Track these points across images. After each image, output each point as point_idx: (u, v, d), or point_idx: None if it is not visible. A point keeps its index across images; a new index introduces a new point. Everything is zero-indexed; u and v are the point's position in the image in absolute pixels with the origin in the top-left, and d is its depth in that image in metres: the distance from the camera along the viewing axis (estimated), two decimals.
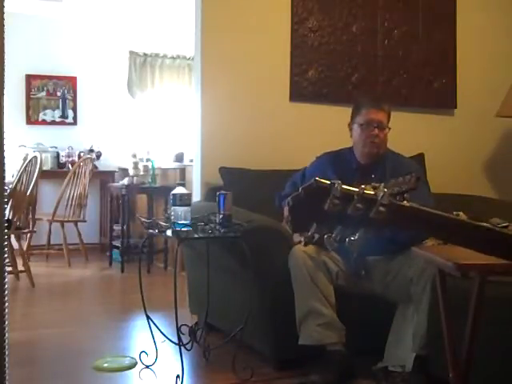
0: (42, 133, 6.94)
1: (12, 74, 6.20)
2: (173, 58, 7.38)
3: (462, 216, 2.37)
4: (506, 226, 3.03)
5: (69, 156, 6.84)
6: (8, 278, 3.29)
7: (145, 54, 7.25)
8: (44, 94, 7.00)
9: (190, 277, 3.74)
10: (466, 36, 4.42)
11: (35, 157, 5.17)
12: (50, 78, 7.00)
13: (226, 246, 3.04)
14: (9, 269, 4.81)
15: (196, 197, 3.74)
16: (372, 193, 1.04)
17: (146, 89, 7.25)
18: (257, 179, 3.63)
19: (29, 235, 5.75)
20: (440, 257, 1.89)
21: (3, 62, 1.79)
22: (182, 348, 2.81)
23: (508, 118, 4.35)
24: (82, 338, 3.62)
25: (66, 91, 7.06)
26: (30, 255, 5.83)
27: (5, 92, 1.81)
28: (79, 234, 6.26)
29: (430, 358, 2.62)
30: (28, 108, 6.94)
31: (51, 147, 6.85)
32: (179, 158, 6.44)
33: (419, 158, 3.84)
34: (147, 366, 3.02)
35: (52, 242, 6.38)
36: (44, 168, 5.97)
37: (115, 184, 6.33)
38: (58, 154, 6.82)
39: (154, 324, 3.03)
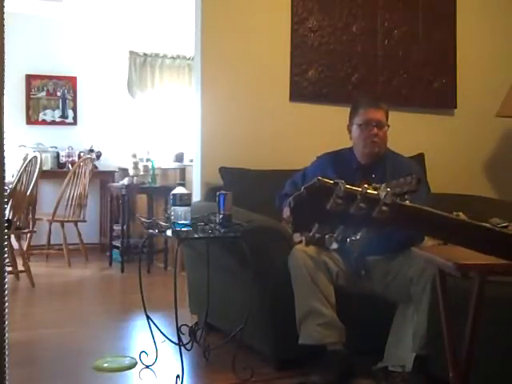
0: (42, 133, 6.94)
1: (12, 74, 6.20)
2: (173, 58, 7.38)
3: (462, 216, 2.38)
4: (505, 226, 3.03)
5: (69, 156, 6.84)
6: (8, 278, 3.29)
7: (145, 54, 7.25)
8: (44, 94, 7.00)
9: (189, 277, 3.74)
10: (465, 36, 4.42)
11: (35, 157, 5.16)
12: (50, 78, 7.00)
13: (226, 246, 3.04)
14: (9, 269, 4.81)
15: (196, 197, 3.74)
16: (375, 192, 1.04)
17: (146, 89, 7.24)
18: (257, 179, 3.63)
19: (29, 235, 5.75)
20: (440, 257, 1.89)
21: (3, 62, 1.79)
22: (182, 348, 2.81)
23: (508, 118, 4.35)
24: (82, 338, 3.61)
25: (66, 91, 7.06)
26: (29, 255, 5.83)
27: (5, 92, 1.81)
28: (79, 234, 6.26)
29: (429, 358, 2.62)
30: (28, 108, 6.94)
31: (51, 147, 6.85)
32: (179, 158, 6.43)
33: (419, 158, 3.84)
34: (147, 366, 3.02)
35: (52, 242, 6.38)
36: (44, 168, 5.97)
37: (115, 184, 6.32)
38: (58, 154, 6.82)
39: (154, 324, 3.03)
